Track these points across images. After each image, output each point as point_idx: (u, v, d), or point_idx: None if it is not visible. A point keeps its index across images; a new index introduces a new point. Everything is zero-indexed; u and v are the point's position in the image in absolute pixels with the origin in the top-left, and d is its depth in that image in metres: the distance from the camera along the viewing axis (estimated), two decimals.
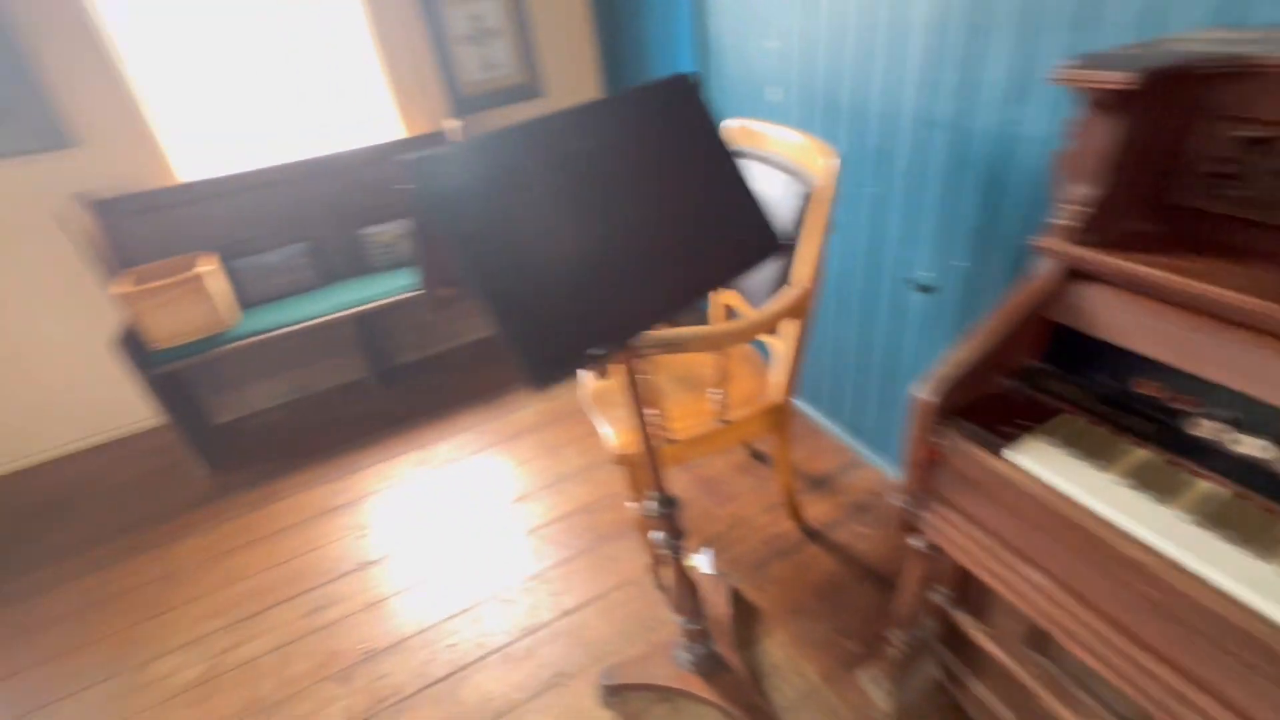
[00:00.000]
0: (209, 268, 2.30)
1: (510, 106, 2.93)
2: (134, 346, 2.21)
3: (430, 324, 3.07)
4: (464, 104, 2.82)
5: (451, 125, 2.69)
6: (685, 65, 2.43)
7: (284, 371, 2.85)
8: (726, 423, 1.54)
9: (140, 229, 2.40)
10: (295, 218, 2.63)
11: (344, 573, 1.97)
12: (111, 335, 2.38)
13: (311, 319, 2.45)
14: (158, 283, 2.20)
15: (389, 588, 1.90)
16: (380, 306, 2.54)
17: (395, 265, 2.74)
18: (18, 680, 1.78)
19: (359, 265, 2.73)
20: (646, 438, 1.13)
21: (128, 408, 2.68)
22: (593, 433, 2.41)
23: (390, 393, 2.87)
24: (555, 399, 2.65)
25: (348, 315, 2.50)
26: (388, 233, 2.71)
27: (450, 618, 1.78)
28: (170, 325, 2.25)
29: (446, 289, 0.87)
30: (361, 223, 2.71)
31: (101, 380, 2.59)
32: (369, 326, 2.79)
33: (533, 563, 1.92)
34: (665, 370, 1.75)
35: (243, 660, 1.74)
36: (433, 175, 0.69)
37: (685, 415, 1.56)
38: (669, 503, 1.22)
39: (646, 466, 1.19)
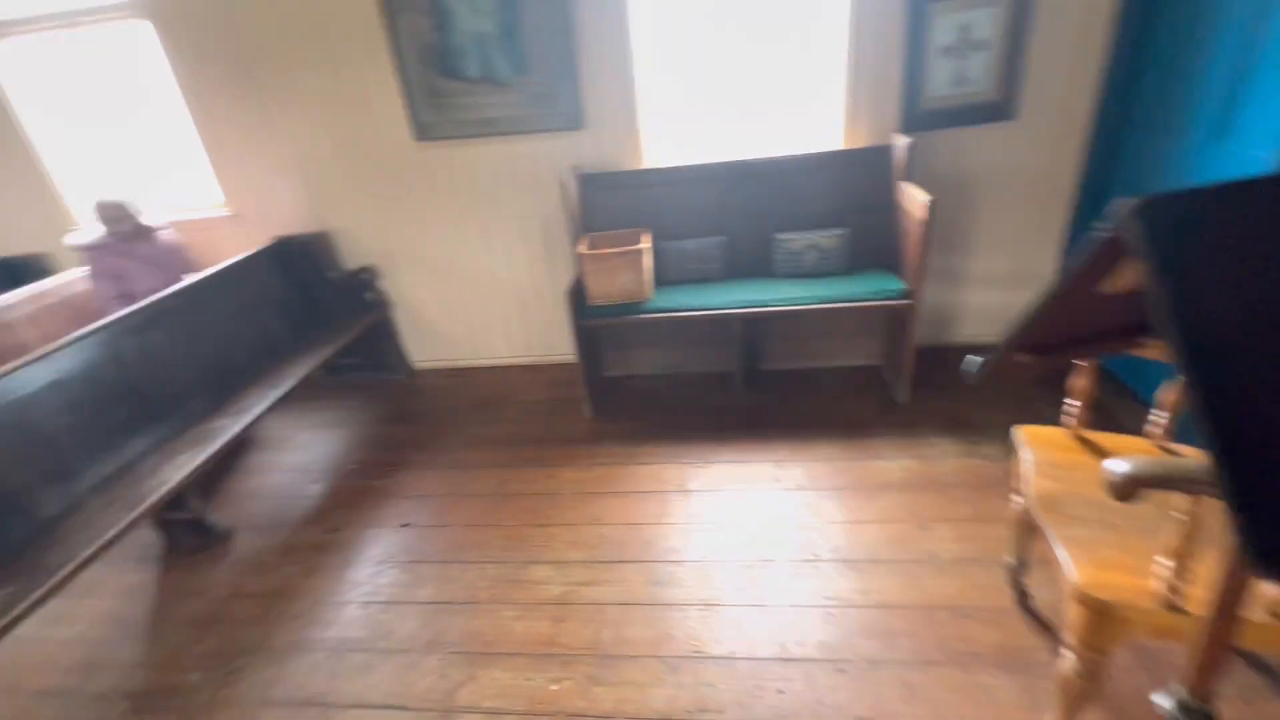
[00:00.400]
0: (645, 245, 2.58)
1: (967, 128, 2.60)
2: (578, 297, 2.62)
3: (805, 339, 2.99)
4: (916, 119, 2.59)
5: (901, 141, 2.50)
6: (1272, 86, 1.77)
7: (667, 347, 3.10)
8: None
9: (605, 202, 2.83)
10: (719, 213, 2.79)
11: (691, 560, 2.02)
12: (565, 284, 2.88)
13: (709, 309, 2.57)
14: (607, 250, 2.56)
15: (726, 595, 1.88)
16: (770, 312, 2.54)
17: (796, 274, 2.71)
18: (447, 532, 2.29)
19: (762, 267, 2.78)
20: (1224, 613, 0.78)
21: (555, 343, 3.25)
22: (979, 519, 2.02)
23: (752, 395, 2.89)
24: (930, 460, 2.31)
25: (739, 313, 2.56)
26: (798, 241, 2.68)
27: (782, 660, 1.66)
28: (606, 287, 2.60)
29: (1034, 356, 0.67)
30: (776, 228, 2.74)
31: (546, 316, 3.19)
32: (752, 327, 2.84)
33: (878, 644, 1.67)
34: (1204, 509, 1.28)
35: (593, 600, 1.92)
36: (1163, 224, 0.50)
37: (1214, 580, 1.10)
38: (1203, 716, 0.85)
39: (1188, 642, 0.84)
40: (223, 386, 2.57)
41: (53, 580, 1.65)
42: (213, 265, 2.77)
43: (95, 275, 2.84)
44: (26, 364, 1.94)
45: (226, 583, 2.16)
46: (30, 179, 3.18)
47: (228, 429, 2.27)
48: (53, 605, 1.98)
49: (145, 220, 2.91)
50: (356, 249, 3.19)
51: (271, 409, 2.47)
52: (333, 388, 3.37)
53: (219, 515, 2.40)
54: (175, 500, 2.13)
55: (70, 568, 1.69)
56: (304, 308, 3.08)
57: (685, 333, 3.01)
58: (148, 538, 2.33)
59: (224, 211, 3.22)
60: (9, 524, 1.81)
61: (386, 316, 3.25)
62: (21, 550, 1.77)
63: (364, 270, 3.14)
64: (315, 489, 2.61)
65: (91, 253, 2.81)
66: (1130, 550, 1.18)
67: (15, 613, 1.56)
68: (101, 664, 1.90)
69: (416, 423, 3.01)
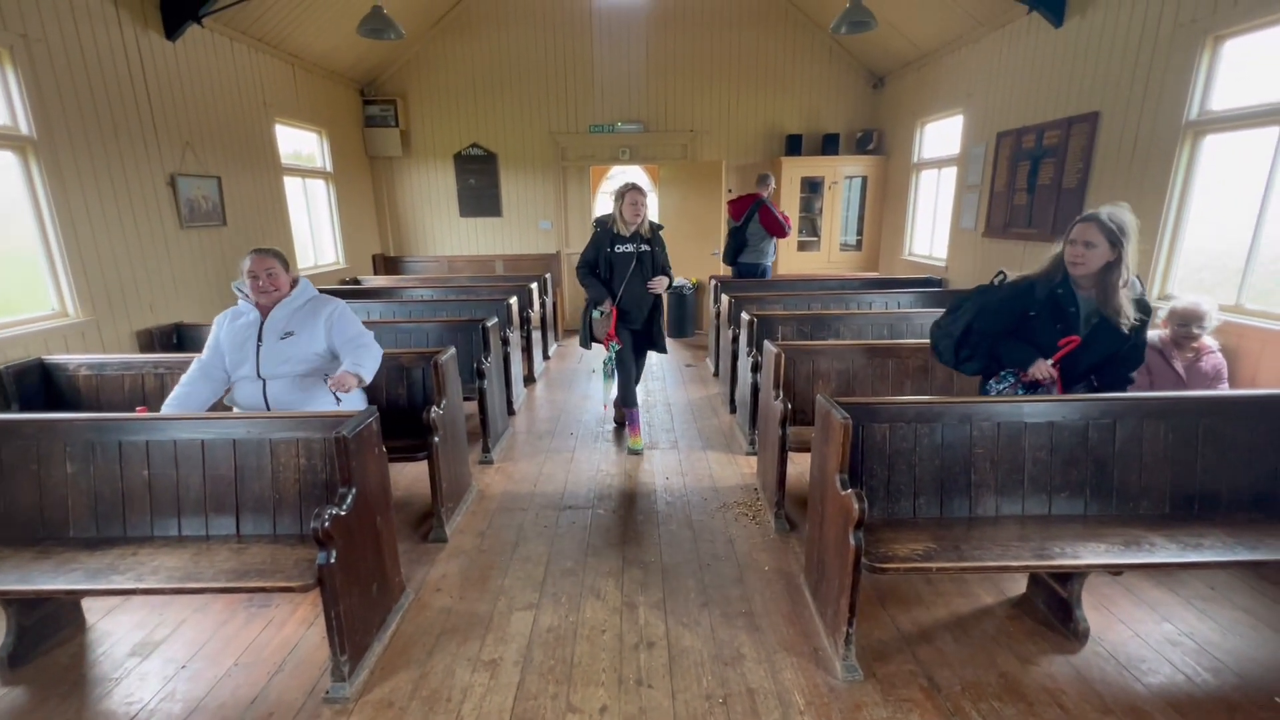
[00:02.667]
0: None
1: None
2: None
3: None
4: None
5: None
6: None
7: None
8: None
9: None
10: None
11: None
12: None
13: None
14: None
15: None
16: None
17: None
18: None
19: None
20: None
21: None
22: None
23: None
24: None
25: None
26: None
27: None
28: None
29: None
30: None
31: None
32: None
33: None
34: None
35: None
36: None
37: None
38: None
39: None
40: (1182, 506, 2.26)
41: (953, 564, 1.99)
42: (1261, 386, 2.36)
43: None
44: (1047, 402, 2.27)
45: (1050, 677, 2.06)
46: None
47: (1161, 551, 2.00)
48: (939, 582, 2.40)
49: (1206, 338, 2.80)
50: None
51: (1227, 565, 2.01)
52: None
53: (1089, 616, 2.25)
54: (1067, 575, 2.13)
55: (963, 565, 1.98)
56: None
57: None
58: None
59: None
60: (955, 502, 2.28)
61: None
62: (952, 526, 2.21)
63: None
64: (1199, 674, 2.04)
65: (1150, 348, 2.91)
66: None
67: (918, 565, 1.98)
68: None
69: None
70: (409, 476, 3.56)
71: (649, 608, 2.44)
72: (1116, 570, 2.05)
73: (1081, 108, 3.98)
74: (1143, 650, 2.16)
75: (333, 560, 1.89)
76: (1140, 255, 3.50)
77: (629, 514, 3.19)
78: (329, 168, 6.45)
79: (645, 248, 3.72)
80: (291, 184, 5.76)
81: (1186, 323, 2.79)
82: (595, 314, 3.76)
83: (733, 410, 4.63)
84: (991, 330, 2.38)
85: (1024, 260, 4.58)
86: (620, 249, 3.68)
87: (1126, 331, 2.19)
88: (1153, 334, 2.90)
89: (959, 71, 5.50)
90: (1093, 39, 3.89)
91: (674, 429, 4.39)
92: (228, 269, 4.69)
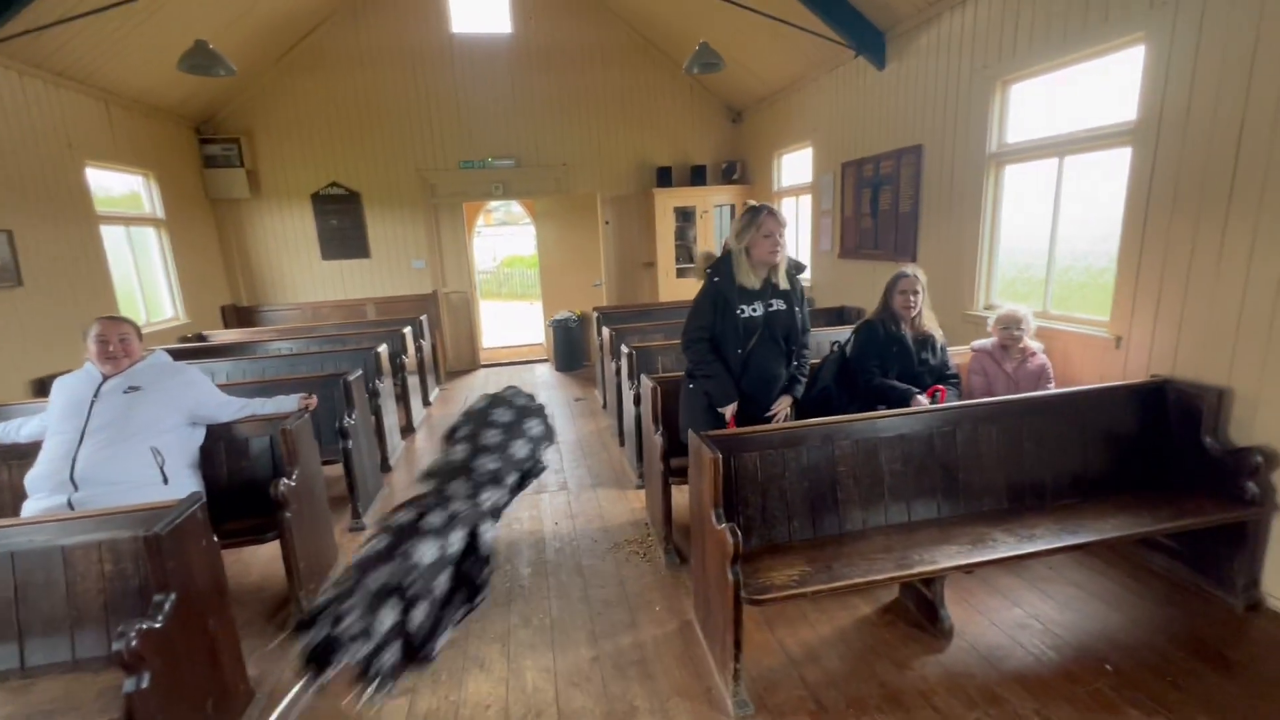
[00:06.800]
0: None
1: None
2: None
3: None
4: None
5: None
6: None
7: None
8: None
9: None
10: None
11: None
12: None
13: None
14: None
15: None
16: None
17: None
18: None
19: None
20: None
21: None
22: None
23: None
24: None
25: None
26: None
27: None
28: None
29: None
30: None
31: None
32: None
33: None
34: None
35: None
36: None
37: None
38: None
39: None
40: (1016, 499, 2.50)
41: (826, 585, 2.04)
42: (1069, 382, 2.68)
43: (970, 369, 3.21)
44: (895, 416, 2.43)
45: (923, 680, 2.16)
46: (966, 265, 3.93)
47: (1003, 546, 2.20)
48: (820, 598, 2.48)
49: (1029, 341, 3.08)
50: (1257, 422, 2.39)
51: (1056, 551, 2.22)
52: (1127, 555, 2.77)
53: (952, 611, 2.41)
54: (929, 579, 2.26)
55: (835, 585, 2.05)
56: (1147, 461, 2.59)
57: None
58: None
59: (1102, 333, 3.04)
60: (826, 520, 2.37)
61: (1260, 520, 2.34)
62: (824, 545, 2.28)
63: (1256, 451, 2.33)
64: (1045, 652, 2.24)
65: (977, 352, 3.22)
66: None
67: (794, 592, 2.02)
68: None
69: (1228, 673, 2.10)
70: (263, 559, 3.17)
71: (538, 672, 2.30)
72: (968, 569, 2.20)
73: (908, 141, 4.42)
74: (998, 638, 2.34)
75: (145, 685, 1.61)
76: (961, 273, 3.95)
77: (515, 568, 3.04)
78: (159, 213, 5.78)
79: (778, 304, 2.48)
80: (113, 233, 5.09)
81: (1008, 326, 3.07)
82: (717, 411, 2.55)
83: (622, 444, 4.60)
84: (867, 366, 2.94)
85: (874, 278, 4.99)
86: (746, 311, 2.44)
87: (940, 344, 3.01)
88: (985, 341, 3.22)
89: (805, 107, 5.96)
90: (910, 81, 4.36)
91: (563, 468, 4.29)
92: (26, 336, 4.01)
